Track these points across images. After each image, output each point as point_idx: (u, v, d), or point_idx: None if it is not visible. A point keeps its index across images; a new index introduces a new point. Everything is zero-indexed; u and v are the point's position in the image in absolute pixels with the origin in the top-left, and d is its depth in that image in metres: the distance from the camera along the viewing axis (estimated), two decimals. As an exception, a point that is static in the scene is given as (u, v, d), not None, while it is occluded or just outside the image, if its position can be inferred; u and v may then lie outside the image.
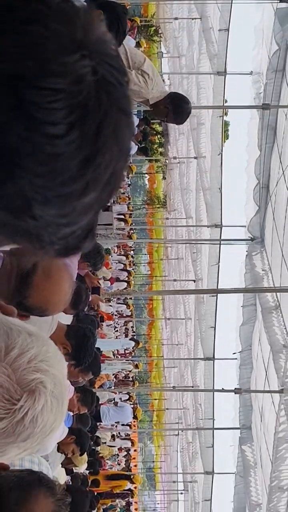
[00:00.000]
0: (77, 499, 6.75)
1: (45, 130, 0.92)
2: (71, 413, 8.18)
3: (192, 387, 21.63)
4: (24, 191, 0.96)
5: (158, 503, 44.53)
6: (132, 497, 21.55)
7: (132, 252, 29.87)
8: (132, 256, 29.99)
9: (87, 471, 11.53)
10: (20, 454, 1.46)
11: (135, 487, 19.09)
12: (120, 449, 23.38)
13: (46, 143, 0.92)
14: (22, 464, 3.07)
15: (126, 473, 19.56)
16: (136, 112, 17.04)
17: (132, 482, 17.47)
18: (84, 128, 0.94)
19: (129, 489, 18.89)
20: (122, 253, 26.89)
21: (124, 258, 26.59)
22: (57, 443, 6.54)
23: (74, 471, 8.76)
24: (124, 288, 21.93)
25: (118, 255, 25.61)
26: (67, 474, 8.36)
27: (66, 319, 6.53)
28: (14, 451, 1.44)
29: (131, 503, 25.07)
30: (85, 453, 8.26)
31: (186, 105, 6.78)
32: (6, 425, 1.39)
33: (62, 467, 7.78)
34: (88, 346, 5.22)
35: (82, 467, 9.44)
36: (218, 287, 16.64)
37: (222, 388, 15.58)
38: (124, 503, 22.31)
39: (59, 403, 1.49)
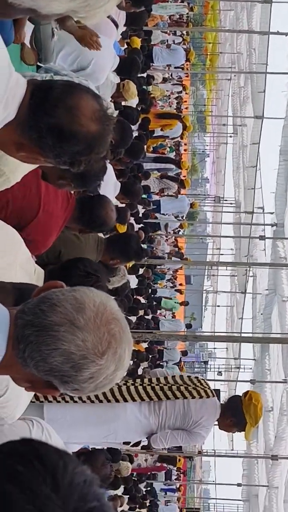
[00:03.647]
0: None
1: None
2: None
3: (248, 29, 21.24)
4: None
5: (207, 145, 45.53)
6: (181, 139, 21.94)
7: None
8: None
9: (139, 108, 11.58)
10: None
11: (184, 128, 19.27)
12: (171, 93, 23.36)
13: None
14: None
15: (176, 112, 19.73)
16: None
17: (182, 122, 17.66)
18: None
19: (181, 134, 18.97)
20: None
21: None
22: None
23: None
24: None
25: None
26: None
27: None
28: None
29: (181, 144, 25.48)
30: (135, 88, 8.30)
31: None
32: None
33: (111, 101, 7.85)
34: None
35: (132, 102, 9.53)
36: None
37: (277, 31, 15.28)
38: (173, 143, 22.66)
39: None
